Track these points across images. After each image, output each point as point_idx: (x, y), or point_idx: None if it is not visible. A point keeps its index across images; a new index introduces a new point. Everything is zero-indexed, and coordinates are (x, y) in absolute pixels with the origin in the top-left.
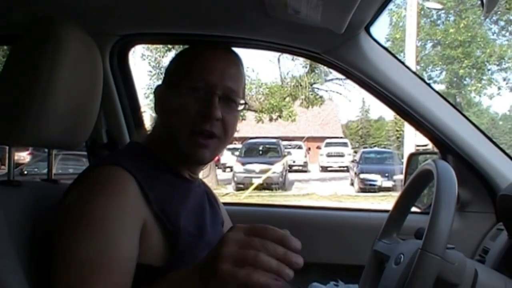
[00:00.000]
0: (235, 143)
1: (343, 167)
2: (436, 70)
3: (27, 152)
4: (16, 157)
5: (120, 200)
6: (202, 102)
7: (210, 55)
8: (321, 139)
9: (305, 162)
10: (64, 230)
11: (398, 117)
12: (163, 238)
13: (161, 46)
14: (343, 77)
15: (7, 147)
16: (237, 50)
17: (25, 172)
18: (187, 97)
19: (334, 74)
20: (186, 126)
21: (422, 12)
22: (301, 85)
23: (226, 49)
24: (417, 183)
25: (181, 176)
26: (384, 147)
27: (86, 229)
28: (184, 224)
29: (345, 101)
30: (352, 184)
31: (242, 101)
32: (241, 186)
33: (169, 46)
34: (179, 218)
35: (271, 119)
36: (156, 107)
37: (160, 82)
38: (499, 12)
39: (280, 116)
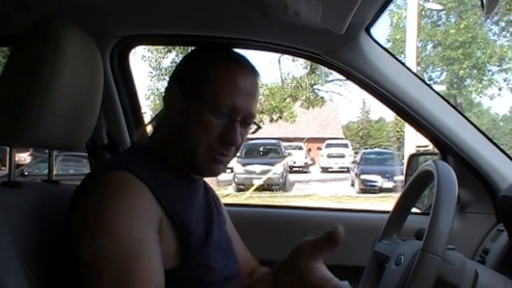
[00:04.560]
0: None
1: (344, 168)
2: (437, 71)
3: (28, 153)
4: (16, 158)
5: (135, 202)
6: (224, 126)
7: (236, 76)
8: (322, 140)
9: (306, 163)
10: (85, 239)
11: (398, 118)
12: (175, 240)
13: (161, 47)
14: (343, 78)
15: (7, 148)
16: (237, 50)
17: (26, 173)
18: (209, 118)
19: (335, 75)
20: (205, 144)
21: (423, 13)
22: (301, 86)
23: (249, 67)
24: (418, 184)
25: (187, 177)
26: (385, 148)
27: (108, 233)
28: (194, 226)
29: (346, 102)
30: (352, 185)
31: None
32: (242, 187)
33: (170, 47)
34: (191, 220)
35: (271, 120)
36: (167, 110)
37: (160, 83)
38: (499, 13)
39: (280, 117)
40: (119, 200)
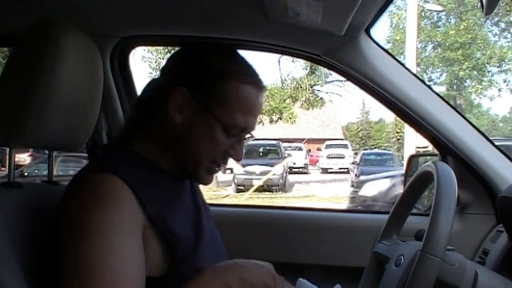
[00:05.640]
0: None
1: (344, 168)
2: (437, 72)
3: (28, 154)
4: (16, 159)
5: (118, 206)
6: (232, 142)
7: (251, 96)
8: (322, 141)
9: (305, 164)
10: (67, 244)
11: (398, 119)
12: (161, 245)
13: (161, 48)
14: (343, 79)
15: (7, 149)
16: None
17: (26, 174)
18: (222, 136)
19: (334, 76)
20: (210, 157)
21: (423, 14)
22: (301, 87)
23: (260, 83)
24: (417, 185)
25: (174, 177)
26: (384, 149)
27: (89, 241)
28: (181, 229)
29: (345, 103)
30: (352, 185)
31: None
32: (242, 187)
33: (169, 48)
34: (176, 223)
35: (271, 121)
36: (170, 112)
37: None
38: (499, 14)
39: (280, 118)
40: (102, 205)
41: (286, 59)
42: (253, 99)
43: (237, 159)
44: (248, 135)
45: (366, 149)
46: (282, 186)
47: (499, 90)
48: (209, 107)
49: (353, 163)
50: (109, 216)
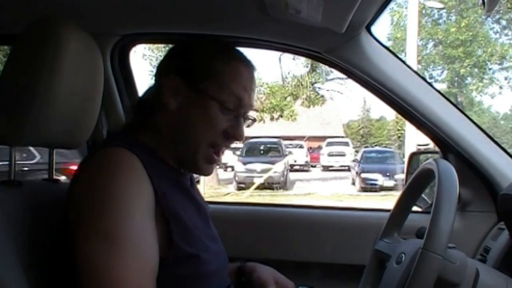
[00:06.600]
0: (236, 143)
1: (345, 166)
2: (437, 69)
3: None
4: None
5: (137, 181)
6: (230, 121)
7: (243, 72)
8: (322, 138)
9: (306, 162)
10: (89, 222)
11: (399, 116)
12: (164, 228)
13: (162, 45)
14: (344, 76)
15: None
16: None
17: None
18: (217, 113)
19: (335, 73)
20: (208, 140)
21: (423, 12)
22: (302, 85)
23: (251, 63)
24: (419, 183)
25: (175, 170)
26: (385, 147)
27: (114, 217)
28: (181, 214)
29: (346, 100)
30: (353, 183)
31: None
32: (243, 185)
33: (170, 45)
34: (180, 208)
35: (272, 119)
36: (166, 103)
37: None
38: (500, 11)
39: (281, 116)
40: (119, 178)
41: (287, 57)
42: (243, 72)
43: (239, 138)
44: (248, 118)
45: (367, 147)
46: (283, 184)
47: (500, 87)
48: (201, 86)
49: (354, 160)
50: (128, 186)
